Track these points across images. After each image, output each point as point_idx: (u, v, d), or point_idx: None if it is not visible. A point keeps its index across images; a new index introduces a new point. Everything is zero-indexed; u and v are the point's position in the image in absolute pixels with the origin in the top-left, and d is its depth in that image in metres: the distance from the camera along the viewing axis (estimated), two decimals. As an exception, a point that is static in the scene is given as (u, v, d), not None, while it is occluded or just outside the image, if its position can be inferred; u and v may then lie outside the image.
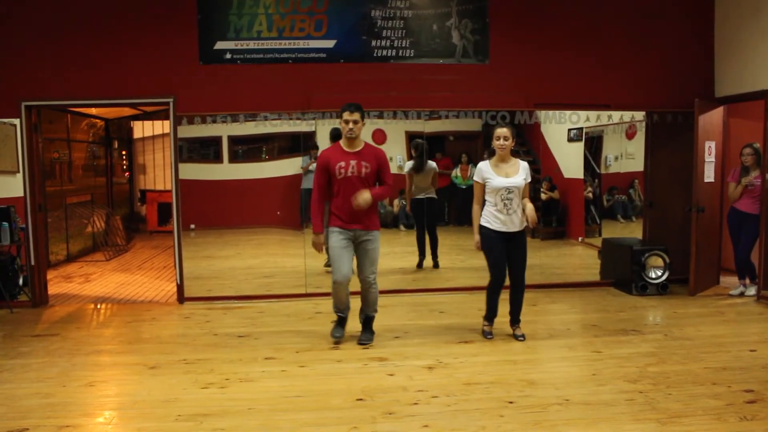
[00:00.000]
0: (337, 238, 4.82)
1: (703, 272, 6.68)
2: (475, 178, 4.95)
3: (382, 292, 6.69)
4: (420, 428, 3.48)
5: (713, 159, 6.64)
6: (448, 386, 4.09)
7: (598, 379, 4.18)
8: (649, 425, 3.47)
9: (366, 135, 7.39)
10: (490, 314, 5.10)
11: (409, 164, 7.30)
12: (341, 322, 5.13)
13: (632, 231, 7.69)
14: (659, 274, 6.59)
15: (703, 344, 4.90)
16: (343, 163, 4.73)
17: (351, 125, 4.71)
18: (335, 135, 6.33)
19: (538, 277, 7.19)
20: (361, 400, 3.89)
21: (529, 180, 4.91)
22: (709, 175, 6.61)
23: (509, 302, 5.07)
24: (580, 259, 8.03)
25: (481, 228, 4.90)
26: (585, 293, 6.76)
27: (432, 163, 7.30)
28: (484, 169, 4.88)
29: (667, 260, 6.59)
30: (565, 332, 5.37)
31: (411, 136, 7.41)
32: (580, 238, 8.17)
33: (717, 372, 4.27)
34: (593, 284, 7.08)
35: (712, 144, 6.62)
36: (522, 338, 5.03)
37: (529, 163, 7.37)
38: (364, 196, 4.67)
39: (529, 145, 7.96)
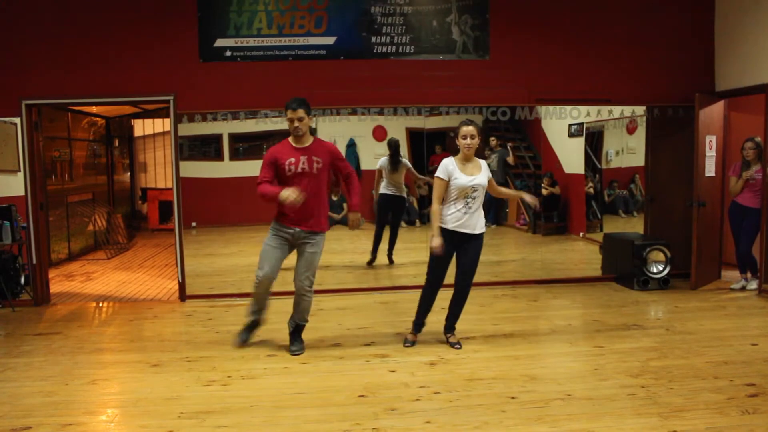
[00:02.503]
0: (270, 237, 4.59)
1: (704, 266, 6.68)
2: (438, 174, 4.54)
3: (384, 289, 6.76)
4: (422, 424, 3.49)
5: (714, 153, 6.63)
6: (450, 382, 4.09)
7: (600, 373, 4.19)
8: (651, 419, 3.47)
9: (367, 131, 7.43)
10: (419, 320, 4.86)
11: (383, 161, 7.29)
12: (252, 326, 4.86)
13: (633, 226, 7.70)
14: (661, 268, 6.59)
15: (705, 338, 4.91)
16: (293, 159, 4.46)
17: (296, 123, 4.44)
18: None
19: (539, 273, 7.21)
20: (363, 396, 3.90)
21: (491, 176, 4.71)
22: (710, 169, 6.61)
23: (449, 305, 4.87)
24: (581, 254, 8.04)
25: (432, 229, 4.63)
26: (586, 288, 6.76)
27: (405, 161, 7.31)
28: (451, 166, 4.53)
29: (669, 255, 6.59)
30: (566, 327, 5.37)
31: (411, 132, 7.42)
32: (581, 234, 8.18)
33: (719, 366, 4.28)
34: (595, 279, 7.08)
35: (713, 138, 6.61)
36: (458, 346, 4.75)
37: (530, 158, 7.33)
38: (353, 219, 4.69)
39: (530, 140, 7.96)
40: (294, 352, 4.69)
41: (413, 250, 7.50)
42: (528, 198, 4.76)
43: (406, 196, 7.47)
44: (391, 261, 7.48)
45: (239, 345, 4.80)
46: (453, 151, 4.61)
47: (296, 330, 4.81)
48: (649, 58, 6.89)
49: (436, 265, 4.68)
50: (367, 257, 7.53)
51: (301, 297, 4.67)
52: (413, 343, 4.83)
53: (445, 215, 4.57)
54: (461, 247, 4.63)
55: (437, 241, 4.54)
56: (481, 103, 6.77)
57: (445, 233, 4.56)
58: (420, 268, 7.20)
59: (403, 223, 8.03)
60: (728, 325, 5.27)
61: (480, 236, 4.64)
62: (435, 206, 4.59)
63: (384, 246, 7.49)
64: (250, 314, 4.86)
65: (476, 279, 4.90)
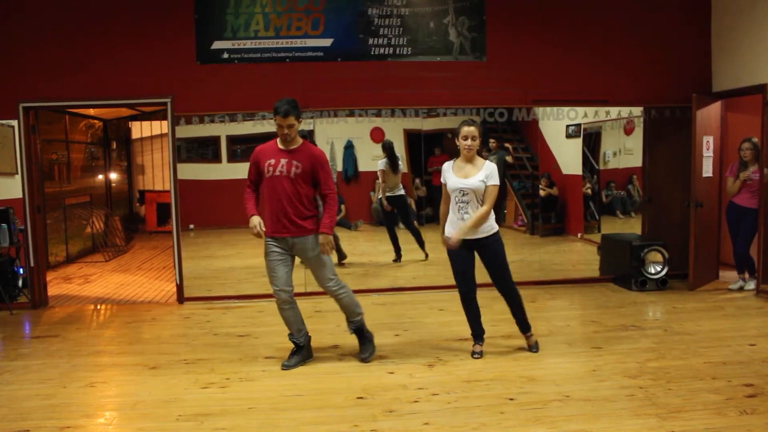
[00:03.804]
0: (269, 250, 4.41)
1: (702, 267, 6.68)
2: (441, 179, 4.57)
3: (382, 290, 6.75)
4: (420, 426, 3.49)
5: (711, 154, 6.64)
6: (449, 384, 4.09)
7: (598, 374, 4.19)
8: (649, 420, 3.47)
9: (364, 133, 7.42)
10: (473, 331, 4.66)
11: (383, 164, 7.32)
12: (296, 351, 4.55)
13: (631, 227, 7.69)
14: (658, 269, 6.60)
15: (703, 339, 4.91)
16: (272, 161, 4.32)
17: (286, 130, 4.25)
18: None
19: (537, 274, 7.21)
20: (361, 398, 3.89)
21: (492, 183, 4.35)
22: (708, 170, 6.62)
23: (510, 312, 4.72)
24: (579, 255, 8.03)
25: (445, 236, 4.53)
26: (584, 289, 6.76)
27: (401, 166, 7.36)
28: (446, 168, 4.50)
29: (666, 255, 6.60)
30: (564, 328, 5.38)
31: (409, 134, 7.42)
32: (579, 234, 8.17)
33: (717, 366, 4.28)
34: (593, 280, 7.09)
35: (710, 139, 6.62)
36: (535, 349, 4.67)
37: (528, 159, 7.30)
38: (323, 242, 4.29)
39: (527, 141, 7.96)
40: (363, 359, 4.55)
41: (412, 251, 7.50)
42: (468, 222, 4.37)
43: (405, 193, 7.51)
44: (426, 255, 7.45)
45: (284, 369, 4.46)
46: (451, 152, 4.59)
47: (356, 331, 4.63)
48: (646, 59, 6.90)
49: (456, 273, 4.55)
50: (367, 258, 7.54)
51: (338, 298, 4.51)
52: (481, 354, 4.59)
53: (449, 221, 4.52)
54: (480, 254, 4.50)
55: (443, 237, 4.50)
56: (479, 104, 6.77)
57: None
58: (418, 270, 7.24)
59: (401, 224, 8.03)
60: (726, 326, 5.28)
61: (490, 239, 4.44)
62: (442, 207, 4.60)
63: (405, 245, 7.54)
64: (291, 339, 4.55)
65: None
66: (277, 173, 4.31)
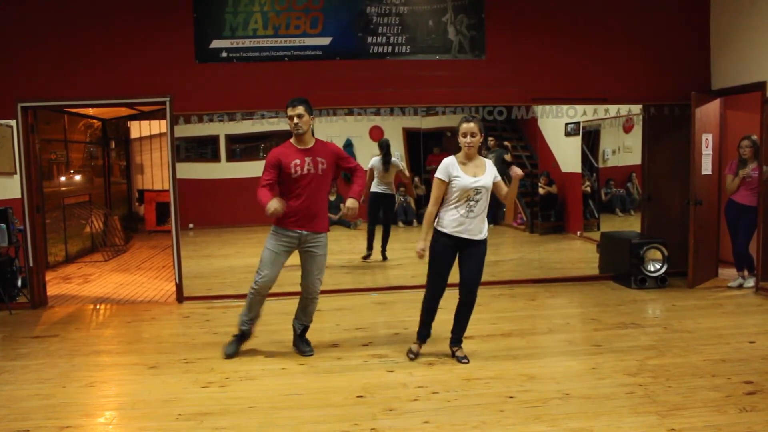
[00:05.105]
0: (275, 241, 4.51)
1: (701, 265, 6.68)
2: (438, 174, 4.26)
3: (381, 289, 6.76)
4: (420, 424, 3.49)
5: (710, 151, 6.63)
6: (448, 382, 4.09)
7: (598, 372, 4.19)
8: (649, 418, 3.47)
9: (364, 131, 7.43)
10: (425, 331, 4.57)
11: (375, 161, 7.33)
12: (242, 337, 4.75)
13: (631, 224, 7.70)
14: (658, 267, 6.60)
15: (703, 336, 4.91)
16: (298, 161, 4.44)
17: (296, 120, 4.42)
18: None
19: (536, 272, 7.22)
20: (361, 397, 3.89)
21: (499, 178, 4.35)
22: (707, 167, 6.62)
23: (454, 316, 4.54)
24: (578, 253, 8.04)
25: (434, 232, 4.34)
26: (584, 287, 6.77)
27: (396, 162, 7.38)
28: (452, 164, 4.24)
29: (666, 253, 6.60)
30: (564, 326, 5.38)
31: (408, 133, 7.42)
32: (578, 233, 8.18)
33: (716, 364, 4.28)
34: (592, 278, 7.09)
35: (709, 136, 6.62)
36: (465, 360, 4.43)
37: (527, 158, 7.31)
38: (351, 206, 4.47)
39: (527, 140, 7.96)
40: (307, 353, 4.70)
41: (411, 250, 7.47)
42: (517, 172, 4.25)
43: (395, 193, 7.54)
44: (384, 257, 7.50)
45: (227, 357, 4.64)
46: (450, 151, 4.55)
47: (304, 332, 4.82)
48: (645, 57, 6.90)
49: (435, 274, 4.40)
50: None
51: (311, 300, 4.69)
52: (417, 355, 4.55)
53: (444, 218, 4.30)
54: (463, 254, 4.33)
55: (421, 245, 4.33)
56: (478, 102, 6.77)
57: (445, 237, 4.30)
58: (417, 268, 7.21)
59: (400, 223, 8.04)
60: (726, 323, 5.28)
61: (483, 242, 4.34)
62: (430, 208, 4.32)
63: (378, 245, 7.51)
64: (243, 324, 4.71)
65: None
66: (305, 171, 4.48)
